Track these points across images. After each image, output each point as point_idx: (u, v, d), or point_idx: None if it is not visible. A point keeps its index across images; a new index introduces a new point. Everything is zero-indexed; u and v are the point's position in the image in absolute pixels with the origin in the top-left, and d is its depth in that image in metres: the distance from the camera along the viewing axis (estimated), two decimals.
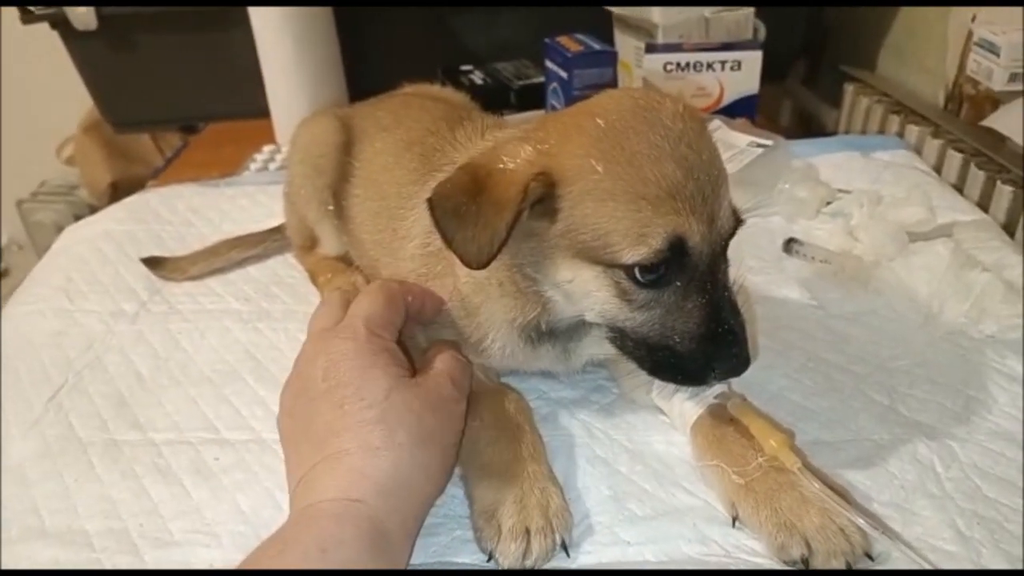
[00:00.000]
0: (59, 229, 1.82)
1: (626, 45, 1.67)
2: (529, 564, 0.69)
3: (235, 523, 0.77)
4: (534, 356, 0.84)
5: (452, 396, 0.75)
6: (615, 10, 1.67)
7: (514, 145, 0.72)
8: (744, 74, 1.50)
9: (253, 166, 1.62)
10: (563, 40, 1.57)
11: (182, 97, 1.86)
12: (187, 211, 1.38)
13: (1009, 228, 1.19)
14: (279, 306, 1.12)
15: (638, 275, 0.68)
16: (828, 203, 1.25)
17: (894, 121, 1.54)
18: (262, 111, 1.68)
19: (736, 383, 0.85)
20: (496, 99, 1.59)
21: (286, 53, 1.60)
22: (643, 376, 0.76)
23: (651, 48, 1.53)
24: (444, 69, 1.75)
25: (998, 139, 1.31)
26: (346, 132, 1.10)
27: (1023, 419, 0.84)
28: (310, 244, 1.15)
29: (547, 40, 1.59)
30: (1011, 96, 1.30)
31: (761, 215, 1.24)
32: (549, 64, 1.59)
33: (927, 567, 0.67)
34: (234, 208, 1.39)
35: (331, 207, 1.09)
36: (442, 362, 0.78)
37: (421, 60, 1.72)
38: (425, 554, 0.72)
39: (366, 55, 1.74)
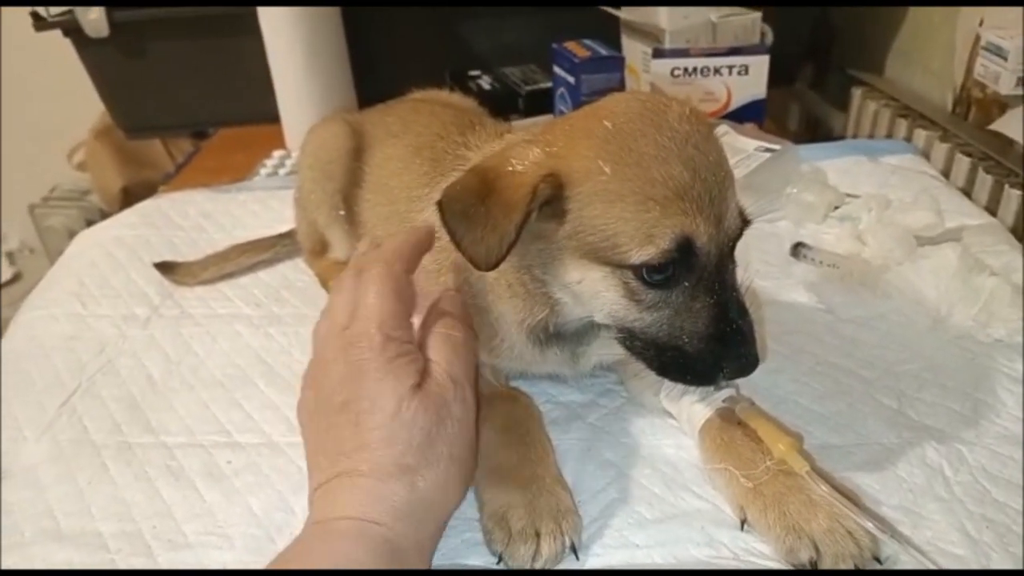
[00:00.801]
0: (71, 234, 1.84)
1: (633, 50, 1.67)
2: (539, 566, 0.70)
3: (247, 525, 0.78)
4: (542, 358, 0.85)
5: (456, 397, 0.73)
6: (622, 15, 1.68)
7: (523, 148, 0.72)
8: (751, 78, 1.51)
9: (263, 171, 1.63)
10: (571, 45, 1.58)
11: (193, 103, 1.88)
12: (198, 216, 1.40)
13: (1017, 232, 1.19)
14: (289, 310, 1.13)
15: (646, 275, 0.69)
16: (836, 207, 1.25)
17: (902, 125, 1.54)
18: (272, 117, 1.70)
19: (744, 387, 0.86)
20: (504, 104, 1.60)
21: (296, 59, 1.61)
22: (651, 379, 0.77)
23: (658, 53, 1.54)
24: (452, 74, 1.76)
25: (1006, 143, 1.31)
26: (356, 138, 1.11)
27: None
28: (320, 249, 1.16)
29: (555, 45, 1.60)
30: (1019, 100, 1.30)
31: (769, 219, 1.25)
32: (557, 69, 1.60)
33: (936, 570, 0.67)
34: (245, 213, 1.40)
35: (342, 212, 1.10)
36: (436, 351, 0.74)
37: (429, 65, 1.74)
38: (435, 557, 0.72)
39: (375, 61, 1.75)
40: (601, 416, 0.89)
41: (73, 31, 1.72)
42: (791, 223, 1.24)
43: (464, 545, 0.74)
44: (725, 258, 0.71)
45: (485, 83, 1.73)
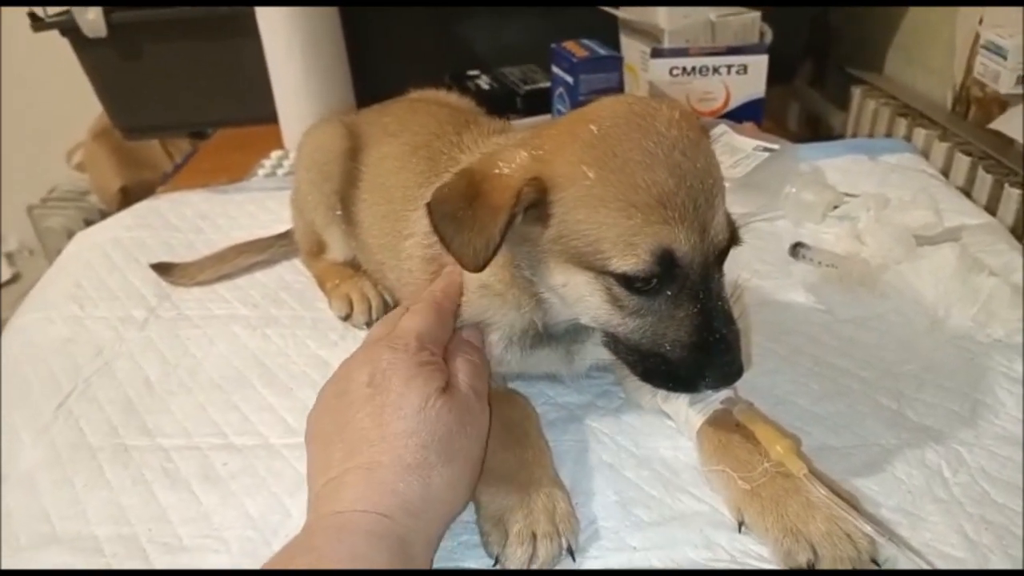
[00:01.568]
0: (69, 234, 1.84)
1: (632, 50, 1.67)
2: (535, 569, 0.69)
3: (243, 528, 0.77)
4: (536, 358, 0.85)
5: (477, 408, 0.75)
6: (621, 15, 1.67)
7: (510, 151, 0.72)
8: (750, 78, 1.51)
9: (261, 172, 1.63)
10: (569, 45, 1.58)
11: (191, 104, 1.87)
12: (196, 217, 1.39)
13: (1017, 231, 1.19)
14: (287, 312, 1.13)
15: (628, 282, 0.69)
16: (835, 207, 1.24)
17: (901, 124, 1.54)
18: (270, 117, 1.70)
19: (743, 388, 0.85)
20: (503, 104, 1.60)
21: (294, 59, 1.61)
22: None
23: (657, 53, 1.53)
24: (451, 74, 1.75)
25: (1006, 142, 1.31)
26: (352, 138, 1.10)
27: None
28: (317, 250, 1.16)
29: (553, 45, 1.59)
30: (1018, 99, 1.29)
31: (768, 219, 1.24)
32: (555, 69, 1.60)
33: (933, 570, 0.67)
34: (243, 214, 1.40)
35: (338, 212, 1.09)
36: (459, 369, 0.77)
37: (428, 65, 1.74)
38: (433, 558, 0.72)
39: (373, 61, 1.74)
40: (599, 417, 0.88)
41: (71, 31, 1.72)
42: (790, 223, 1.24)
43: (461, 547, 0.74)
44: (711, 267, 0.70)
45: (484, 83, 1.73)
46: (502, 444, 0.79)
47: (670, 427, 0.85)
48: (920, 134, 1.48)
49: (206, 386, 0.98)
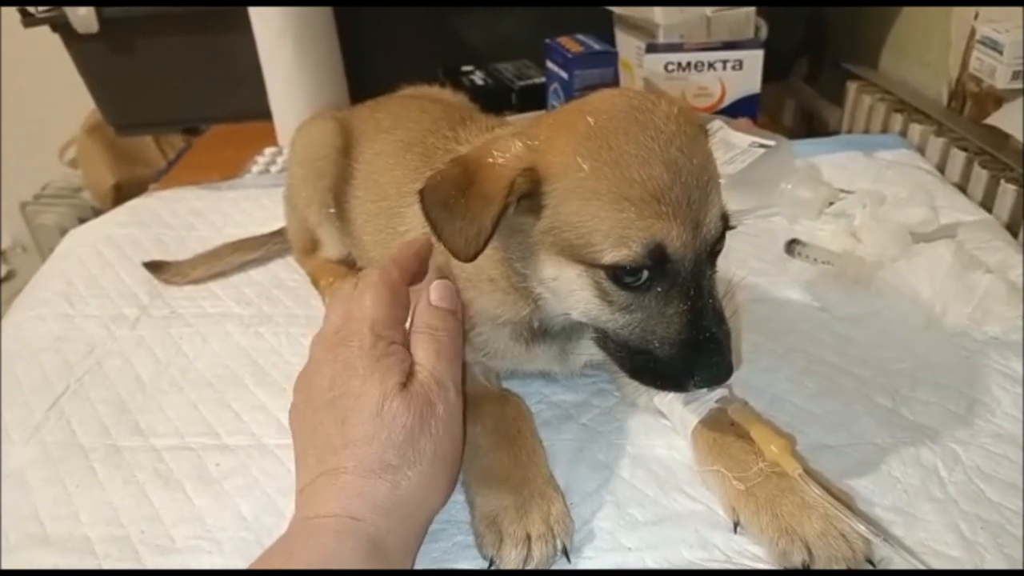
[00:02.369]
0: (63, 231, 1.83)
1: (627, 45, 1.66)
2: (530, 569, 0.69)
3: (236, 529, 0.77)
4: (530, 355, 0.84)
5: (440, 397, 0.71)
6: (616, 10, 1.67)
7: (506, 140, 0.72)
8: (746, 73, 1.50)
9: (255, 168, 1.62)
10: (564, 40, 1.57)
11: (183, 100, 1.86)
12: (189, 214, 1.38)
13: (1012, 228, 1.18)
14: (280, 310, 1.12)
15: (618, 277, 0.68)
16: (831, 203, 1.24)
17: (897, 119, 1.53)
18: (264, 113, 1.68)
19: (738, 386, 0.85)
20: (497, 100, 1.59)
21: (287, 55, 1.59)
22: None
23: (652, 48, 1.53)
24: (445, 70, 1.75)
25: (1002, 137, 1.30)
26: (345, 134, 1.10)
27: None
28: (311, 247, 1.15)
29: (548, 40, 1.59)
30: (1014, 94, 1.29)
31: (763, 216, 1.24)
32: (550, 64, 1.59)
33: (929, 570, 0.66)
34: (236, 211, 1.39)
35: (332, 209, 1.09)
36: (421, 354, 0.73)
37: (422, 61, 1.73)
38: (426, 560, 0.72)
39: (367, 56, 1.73)
40: (593, 416, 0.88)
41: (62, 27, 1.70)
42: (785, 220, 1.24)
43: (455, 548, 0.73)
44: (703, 264, 0.69)
45: (478, 78, 1.72)
46: (496, 444, 0.78)
47: (665, 426, 0.85)
48: (916, 130, 1.47)
49: (199, 385, 0.97)
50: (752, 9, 1.59)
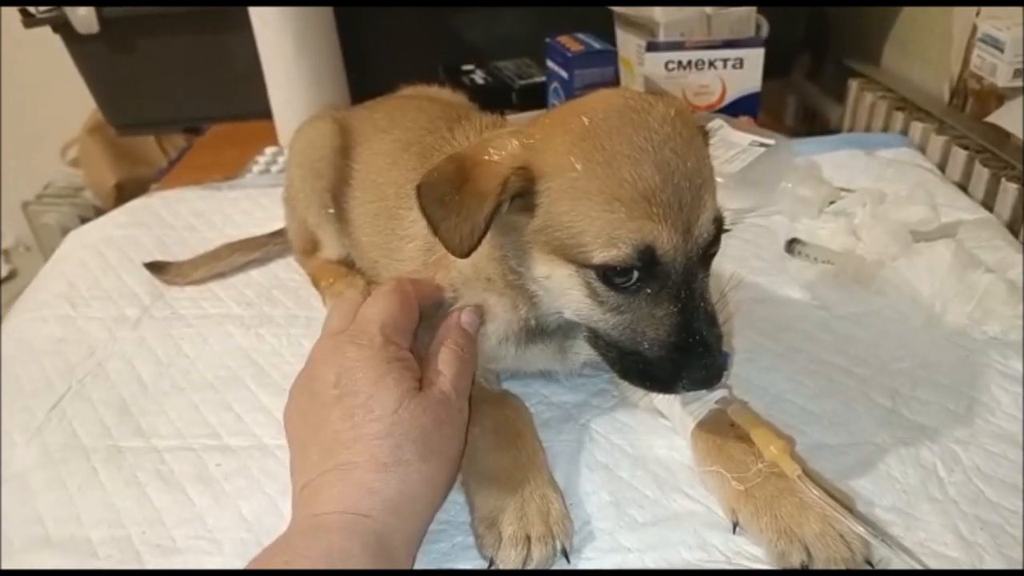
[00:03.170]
0: (65, 231, 1.83)
1: (628, 43, 1.66)
2: (530, 571, 0.69)
3: (237, 530, 0.77)
4: (529, 354, 0.84)
5: (456, 406, 0.75)
6: (616, 8, 1.66)
7: (502, 138, 0.72)
8: (746, 72, 1.50)
9: (256, 168, 1.62)
10: (564, 39, 1.57)
11: (184, 99, 1.86)
12: (190, 215, 1.39)
13: (1013, 227, 1.18)
14: (281, 311, 1.12)
15: (608, 278, 0.68)
16: (831, 202, 1.24)
17: (898, 117, 1.53)
18: (264, 113, 1.68)
19: (738, 385, 0.85)
20: (497, 99, 1.59)
21: (287, 54, 1.59)
22: None
23: (652, 46, 1.52)
24: (445, 69, 1.74)
25: (1003, 135, 1.30)
26: (343, 135, 1.10)
27: None
28: (311, 248, 1.15)
29: (548, 39, 1.58)
30: (1016, 92, 1.29)
31: (763, 215, 1.24)
32: (550, 63, 1.59)
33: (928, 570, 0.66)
34: (237, 212, 1.39)
35: (331, 210, 1.09)
36: (446, 366, 0.76)
37: (423, 60, 1.72)
38: (426, 560, 0.72)
39: (367, 55, 1.73)
40: (593, 417, 0.88)
41: (63, 27, 1.70)
42: (786, 218, 1.23)
43: (455, 549, 0.74)
44: (694, 267, 0.69)
45: (478, 77, 1.72)
46: (496, 445, 0.78)
47: (665, 426, 0.85)
48: (917, 128, 1.47)
49: (200, 386, 0.97)
50: (753, 7, 1.58)
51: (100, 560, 0.75)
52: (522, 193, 0.69)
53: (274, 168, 1.61)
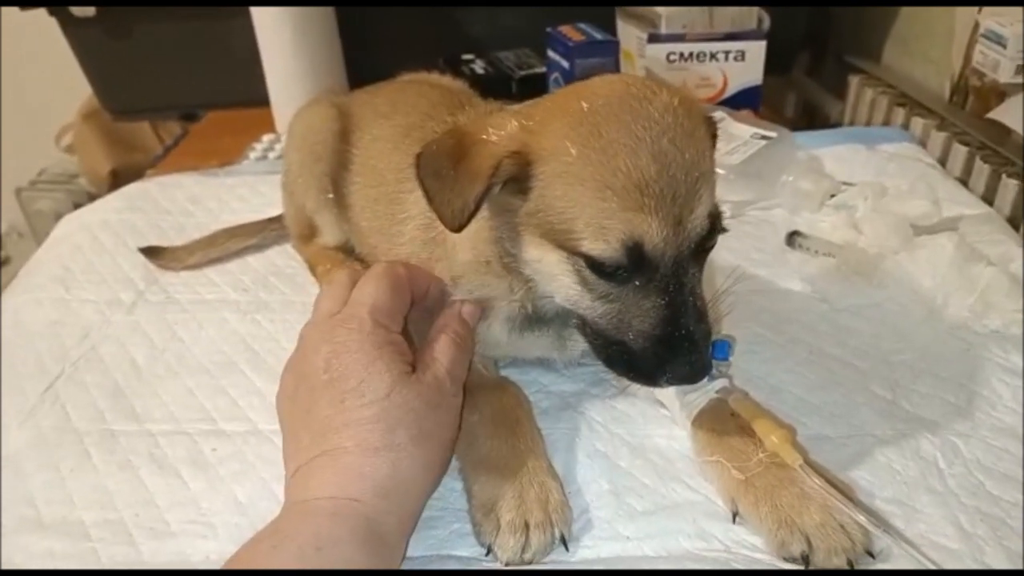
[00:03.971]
0: (59, 217, 1.81)
1: (629, 35, 1.65)
2: (528, 558, 0.69)
3: (231, 514, 0.76)
4: (527, 341, 0.84)
5: (450, 391, 0.74)
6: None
7: (502, 118, 0.72)
8: (748, 64, 1.49)
9: (252, 155, 1.61)
10: (565, 30, 1.56)
11: (181, 85, 1.85)
12: (186, 200, 1.37)
13: (1014, 222, 1.18)
14: (277, 297, 1.11)
15: (597, 266, 0.68)
16: (832, 196, 1.23)
17: (899, 113, 1.53)
18: (262, 99, 1.67)
19: (738, 376, 0.85)
20: (498, 89, 1.57)
21: (285, 41, 1.58)
22: None
23: (654, 38, 1.52)
24: (446, 58, 1.73)
25: (1004, 132, 1.30)
26: (343, 120, 1.09)
27: None
28: (309, 234, 1.14)
29: (549, 29, 1.58)
30: (1017, 88, 1.28)
31: (764, 207, 1.23)
32: (551, 54, 1.58)
33: (929, 566, 0.66)
34: (233, 198, 1.38)
35: (330, 195, 1.08)
36: (442, 353, 0.76)
37: (422, 49, 1.71)
38: (423, 547, 0.72)
39: (366, 43, 1.72)
40: (592, 406, 0.87)
41: (59, 11, 1.69)
42: (786, 211, 1.23)
43: (453, 536, 0.73)
44: (685, 261, 0.68)
45: (479, 67, 1.71)
46: (494, 432, 0.78)
47: (664, 416, 0.85)
48: (918, 124, 1.46)
49: (195, 371, 0.96)
50: None
51: (92, 542, 0.74)
52: (517, 176, 0.68)
53: (271, 155, 1.60)
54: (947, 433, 0.81)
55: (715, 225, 0.70)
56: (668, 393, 0.82)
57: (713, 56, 1.49)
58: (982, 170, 1.28)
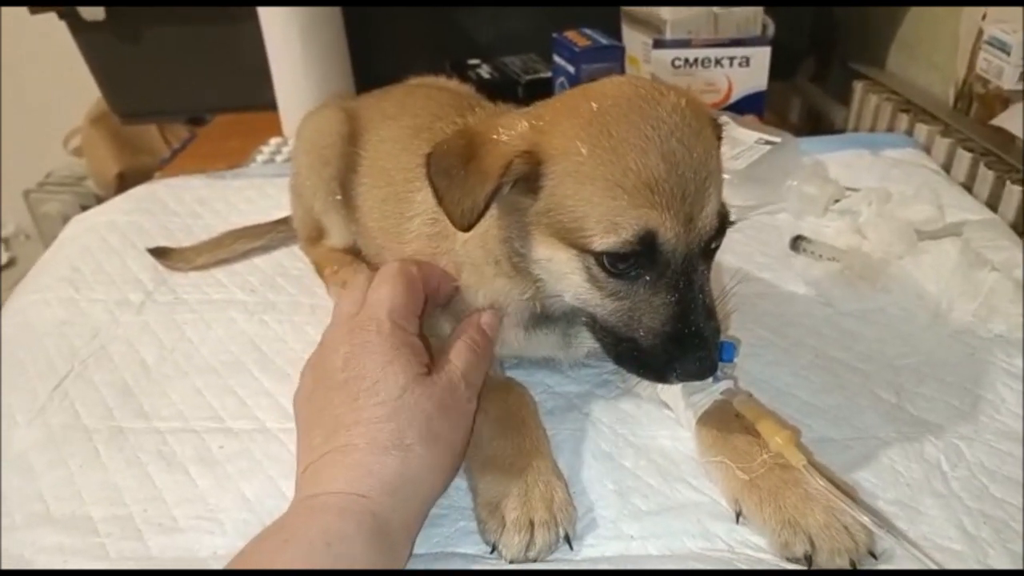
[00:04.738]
0: (66, 219, 1.82)
1: (634, 40, 1.66)
2: (532, 556, 0.69)
3: (239, 511, 0.77)
4: (534, 340, 0.85)
5: (464, 396, 0.75)
6: (623, 5, 1.67)
7: (513, 118, 0.73)
8: (753, 70, 1.50)
9: (260, 158, 1.62)
10: (571, 35, 1.57)
11: (189, 89, 1.86)
12: (194, 202, 1.38)
13: (1017, 227, 1.18)
14: (284, 297, 1.12)
15: (607, 264, 0.68)
16: (836, 201, 1.24)
17: (903, 119, 1.53)
18: (269, 104, 1.69)
19: (743, 379, 0.85)
20: (503, 93, 1.57)
21: (293, 46, 1.60)
22: None
23: (659, 44, 1.53)
24: (452, 63, 1.74)
25: (1008, 139, 1.30)
26: (351, 123, 1.10)
27: None
28: (316, 235, 1.15)
29: (555, 35, 1.59)
30: (1021, 95, 1.29)
31: (769, 212, 1.24)
32: (557, 59, 1.59)
33: (932, 566, 0.66)
34: (241, 200, 1.39)
35: (338, 197, 1.09)
36: (457, 357, 0.77)
37: (429, 53, 1.73)
38: (428, 544, 0.72)
39: (373, 48, 1.73)
40: (597, 407, 0.88)
41: (69, 14, 1.70)
42: (791, 216, 1.23)
43: (458, 534, 0.74)
44: (694, 258, 0.69)
45: (485, 72, 1.72)
46: (500, 432, 0.78)
47: (669, 417, 0.85)
48: (922, 130, 1.47)
49: (203, 370, 0.97)
50: (759, 7, 1.59)
51: (101, 537, 0.75)
52: (527, 176, 0.69)
53: (278, 158, 1.61)
54: (951, 436, 0.81)
55: (723, 224, 0.71)
56: (673, 394, 0.82)
57: (718, 62, 1.49)
58: (986, 176, 1.28)
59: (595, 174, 0.66)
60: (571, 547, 0.71)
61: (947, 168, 1.38)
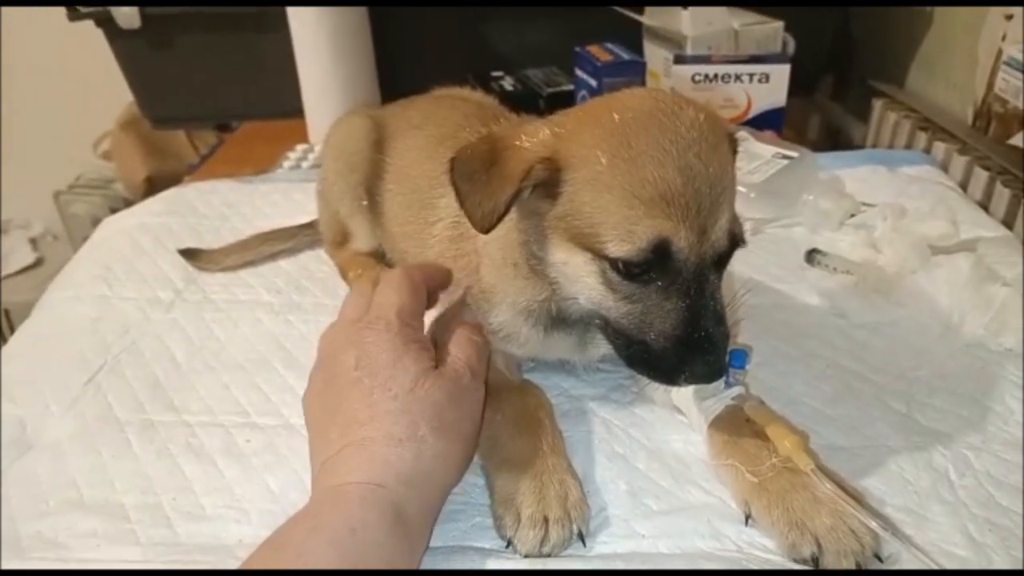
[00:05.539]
0: (94, 221, 1.88)
1: (655, 55, 1.69)
2: (546, 551, 0.71)
3: (264, 501, 0.80)
4: (549, 343, 0.87)
5: (470, 385, 0.77)
6: (645, 20, 1.70)
7: (535, 126, 0.75)
8: (772, 86, 1.52)
9: (286, 164, 1.66)
10: (593, 49, 1.60)
11: (220, 96, 1.91)
12: (222, 205, 1.42)
13: None
14: (309, 299, 1.15)
15: (622, 268, 0.70)
16: (852, 215, 1.25)
17: (921, 137, 1.55)
18: (296, 111, 1.73)
19: (755, 386, 0.87)
20: (525, 105, 1.60)
21: (322, 55, 1.64)
22: None
23: (680, 59, 1.55)
24: (475, 74, 1.77)
25: None
26: (378, 131, 1.13)
27: None
28: (342, 239, 1.18)
29: (577, 49, 1.61)
30: None
31: (784, 225, 1.26)
32: (579, 72, 1.62)
33: (934, 567, 0.68)
34: (267, 204, 1.43)
35: (364, 202, 1.12)
36: (458, 347, 0.79)
37: (452, 65, 1.76)
38: (445, 539, 0.74)
39: (399, 59, 1.77)
40: (611, 410, 0.90)
41: (105, 22, 1.75)
42: (807, 229, 1.25)
43: (474, 529, 0.76)
44: (706, 269, 0.71)
45: (507, 84, 1.76)
46: (517, 432, 0.81)
47: (681, 422, 0.87)
48: (940, 148, 1.48)
49: (230, 367, 1.00)
50: (780, 23, 1.61)
51: (131, 524, 0.78)
52: (547, 181, 0.72)
53: (304, 164, 1.65)
54: (959, 446, 0.83)
55: (735, 238, 0.73)
56: (685, 399, 0.84)
57: (738, 78, 1.52)
58: (1002, 194, 1.29)
59: (613, 183, 0.69)
60: (584, 544, 0.73)
61: (964, 186, 1.39)
